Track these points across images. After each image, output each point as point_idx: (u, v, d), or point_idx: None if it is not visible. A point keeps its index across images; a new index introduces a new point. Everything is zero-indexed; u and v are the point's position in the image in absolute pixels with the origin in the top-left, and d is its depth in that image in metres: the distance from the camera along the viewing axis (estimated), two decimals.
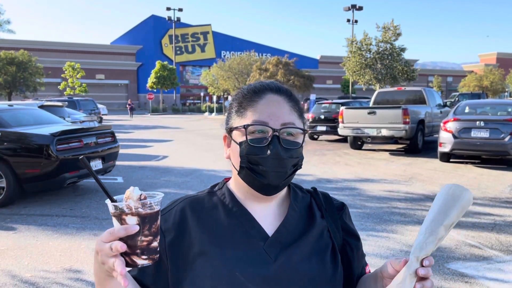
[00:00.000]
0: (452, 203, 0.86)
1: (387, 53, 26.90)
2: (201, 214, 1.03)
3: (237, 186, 1.06)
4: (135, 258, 0.79)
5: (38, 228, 5.39)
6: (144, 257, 0.79)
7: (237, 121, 1.02)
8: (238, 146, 0.99)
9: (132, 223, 0.78)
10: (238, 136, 1.00)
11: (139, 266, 0.80)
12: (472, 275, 3.93)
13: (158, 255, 0.82)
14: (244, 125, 0.98)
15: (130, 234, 0.78)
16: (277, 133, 0.96)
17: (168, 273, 0.99)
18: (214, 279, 0.94)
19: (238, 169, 1.00)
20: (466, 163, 10.28)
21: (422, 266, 0.84)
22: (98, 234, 5.11)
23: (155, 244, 0.81)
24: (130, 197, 0.78)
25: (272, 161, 0.95)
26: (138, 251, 0.79)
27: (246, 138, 0.97)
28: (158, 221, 0.82)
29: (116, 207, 0.78)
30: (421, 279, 0.85)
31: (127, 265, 0.80)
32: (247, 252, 0.97)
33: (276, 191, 1.00)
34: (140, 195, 0.79)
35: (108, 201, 0.80)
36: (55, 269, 4.14)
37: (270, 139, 0.96)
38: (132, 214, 0.78)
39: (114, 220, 0.80)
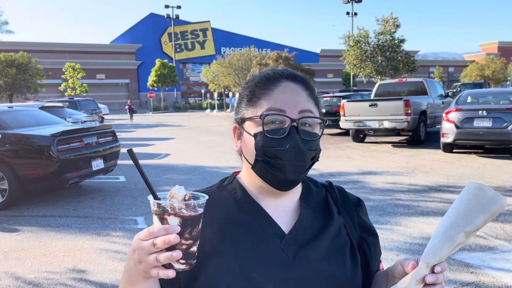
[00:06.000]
0: (480, 208, 0.74)
1: (386, 45, 26.77)
2: (211, 211, 0.93)
3: (249, 180, 0.99)
4: (172, 262, 0.74)
5: (41, 229, 5.39)
6: (182, 261, 0.74)
7: (250, 111, 0.95)
8: (252, 138, 0.92)
9: (174, 224, 0.73)
10: (252, 127, 0.93)
11: (176, 270, 0.74)
12: (478, 265, 3.91)
13: (195, 261, 0.77)
14: (260, 115, 0.90)
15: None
16: (295, 124, 0.90)
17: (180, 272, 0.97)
18: (230, 280, 0.87)
19: (252, 163, 0.94)
20: (470, 153, 10.23)
21: (433, 272, 0.76)
22: (101, 234, 5.11)
23: (194, 248, 0.76)
24: (175, 197, 0.74)
25: (290, 154, 0.89)
26: None
27: (263, 128, 0.90)
28: (200, 225, 0.76)
29: (159, 205, 0.73)
30: (430, 284, 0.77)
31: (163, 267, 0.75)
32: (263, 251, 0.90)
33: (292, 186, 0.94)
34: (185, 195, 0.74)
35: (150, 198, 0.75)
36: (58, 269, 4.13)
37: (288, 130, 0.89)
38: (175, 214, 0.73)
39: (155, 219, 0.75)
